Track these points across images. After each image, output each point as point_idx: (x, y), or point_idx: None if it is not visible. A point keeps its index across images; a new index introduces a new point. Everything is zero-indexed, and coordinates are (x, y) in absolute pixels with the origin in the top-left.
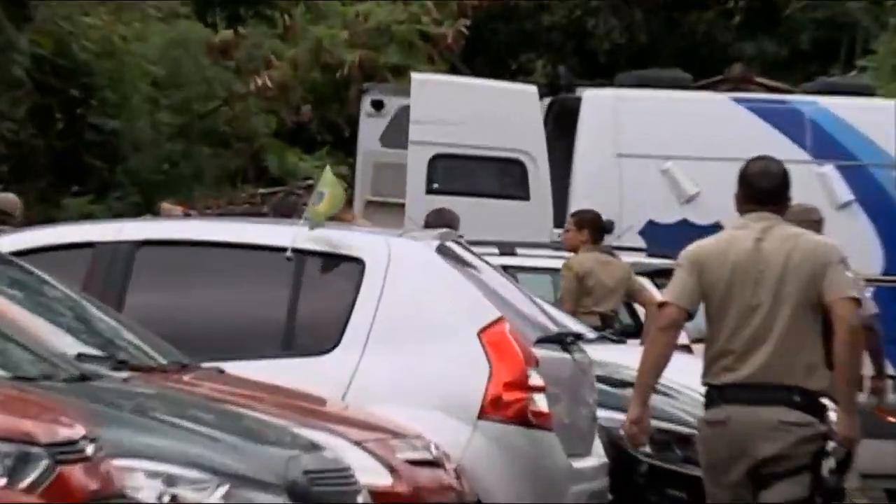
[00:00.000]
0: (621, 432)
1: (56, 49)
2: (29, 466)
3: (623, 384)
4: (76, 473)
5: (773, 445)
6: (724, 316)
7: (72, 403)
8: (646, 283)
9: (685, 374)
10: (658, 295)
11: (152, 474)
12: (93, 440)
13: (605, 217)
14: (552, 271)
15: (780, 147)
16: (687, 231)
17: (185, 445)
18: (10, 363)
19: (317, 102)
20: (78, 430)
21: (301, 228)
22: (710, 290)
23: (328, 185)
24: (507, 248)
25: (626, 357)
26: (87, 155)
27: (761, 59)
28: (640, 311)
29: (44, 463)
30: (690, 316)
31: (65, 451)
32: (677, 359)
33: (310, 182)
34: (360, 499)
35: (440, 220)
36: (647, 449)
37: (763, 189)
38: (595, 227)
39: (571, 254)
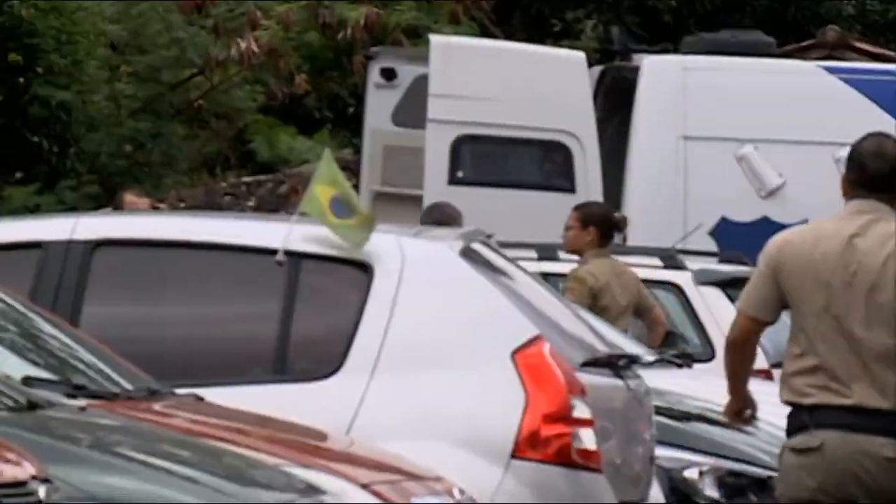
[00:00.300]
0: (685, 474)
1: None
2: None
3: (687, 417)
4: None
5: (886, 484)
6: (809, 325)
7: (19, 437)
8: (717, 294)
9: (763, 405)
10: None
11: None
12: (45, 481)
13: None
14: None
15: (883, 128)
16: (768, 231)
17: (156, 488)
18: None
19: (314, 71)
20: (27, 469)
21: (295, 226)
22: (791, 296)
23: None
24: (547, 252)
25: (690, 385)
26: (31, 134)
27: (862, 21)
28: (713, 332)
29: None
30: (770, 324)
31: (10, 494)
32: (752, 386)
33: (303, 169)
34: None
35: (436, 217)
36: (716, 495)
37: (876, 172)
38: (604, 225)
39: (575, 257)
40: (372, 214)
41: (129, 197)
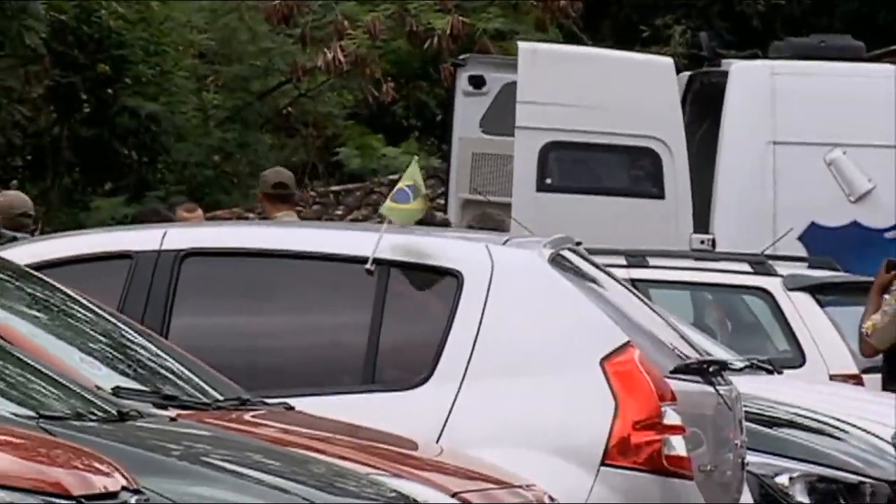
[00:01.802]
0: (776, 480)
1: (79, 14)
2: None
3: (777, 423)
4: None
5: None
6: None
7: (109, 448)
8: (807, 299)
9: (855, 411)
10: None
11: None
12: (135, 492)
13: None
14: (692, 286)
15: None
16: (858, 235)
17: (247, 498)
18: (33, 400)
19: (401, 80)
20: (117, 480)
21: (385, 235)
22: None
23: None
24: (636, 258)
25: (780, 391)
26: (120, 145)
27: None
28: (803, 337)
29: None
30: None
31: None
32: (845, 392)
33: (394, 178)
34: None
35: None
36: (807, 500)
37: None
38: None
39: None
40: (423, 204)
41: (181, 212)
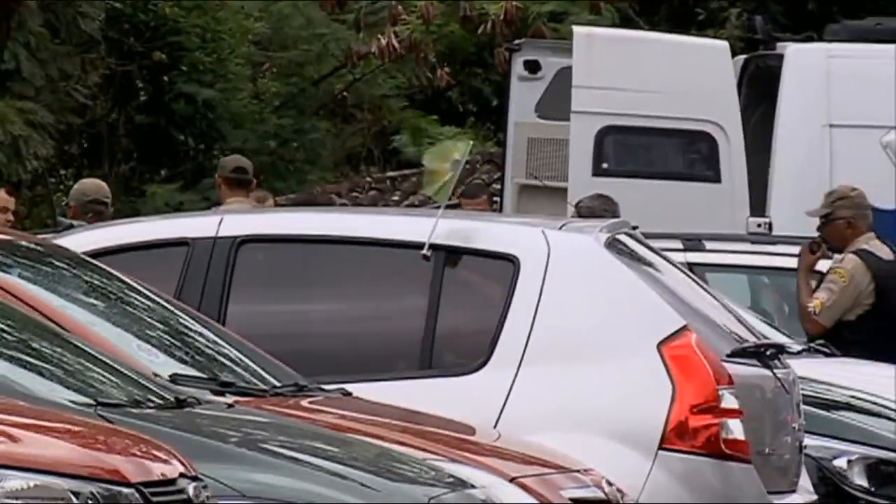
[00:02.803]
0: (834, 463)
1: (135, 2)
2: None
3: (834, 406)
4: None
5: None
6: None
7: (167, 435)
8: None
9: None
10: None
11: None
12: (193, 479)
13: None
14: (749, 269)
15: None
16: None
17: (305, 484)
18: (91, 387)
19: (455, 65)
20: (175, 467)
21: (441, 220)
22: None
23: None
24: (693, 242)
25: (838, 373)
26: (176, 132)
27: None
28: None
29: None
30: None
31: (160, 492)
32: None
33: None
34: None
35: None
36: (865, 483)
37: None
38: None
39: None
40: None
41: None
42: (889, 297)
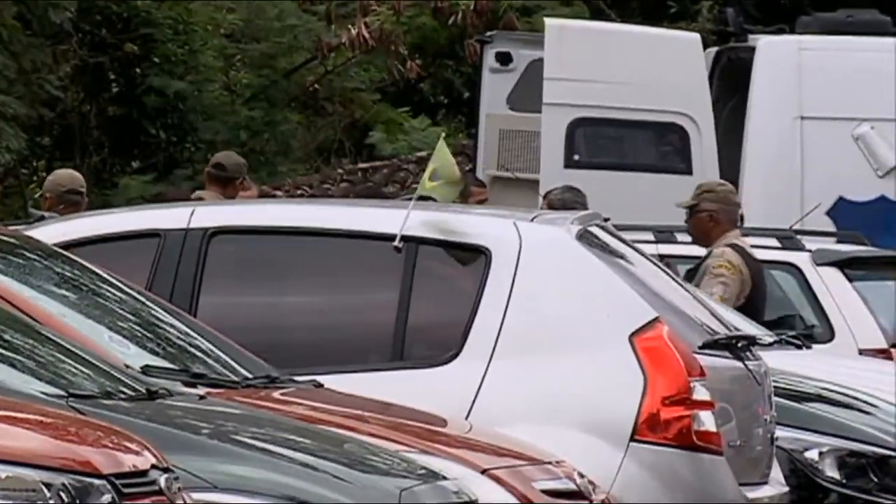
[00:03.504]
0: (806, 455)
1: None
2: (89, 501)
3: (805, 397)
4: None
5: None
6: None
7: (139, 426)
8: (835, 274)
9: (884, 385)
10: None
11: None
12: (165, 470)
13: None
14: None
15: None
16: (886, 210)
17: (276, 475)
18: (62, 379)
19: (427, 57)
20: (147, 459)
21: (413, 212)
22: None
23: (440, 158)
24: (664, 234)
25: (809, 365)
26: (148, 124)
27: None
28: (832, 312)
29: (107, 498)
30: None
31: (132, 483)
32: (872, 366)
33: (421, 155)
34: None
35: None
36: (837, 475)
37: None
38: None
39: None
40: (459, 179)
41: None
42: (757, 294)
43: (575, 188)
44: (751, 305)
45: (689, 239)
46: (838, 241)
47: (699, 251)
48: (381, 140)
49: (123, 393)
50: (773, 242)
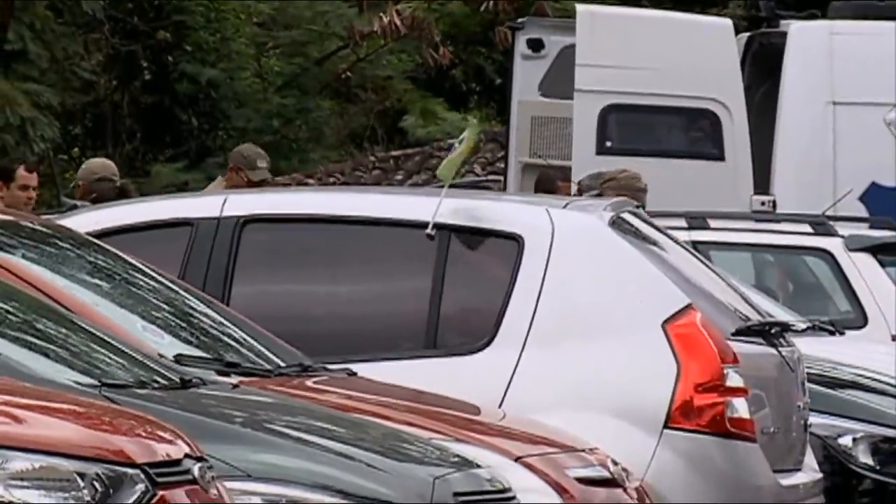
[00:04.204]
0: (839, 441)
1: None
2: (123, 491)
3: (840, 384)
4: (180, 499)
5: None
6: None
7: (172, 415)
8: (868, 259)
9: None
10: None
11: (272, 499)
12: (199, 459)
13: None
14: (753, 248)
15: None
16: None
17: (310, 464)
18: (96, 368)
19: (458, 44)
20: (181, 448)
21: (445, 200)
22: None
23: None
24: (697, 220)
25: (843, 352)
26: (180, 111)
27: None
28: (865, 298)
29: (140, 487)
30: None
31: (166, 473)
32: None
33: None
34: None
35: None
36: (870, 461)
37: None
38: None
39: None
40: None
41: None
42: None
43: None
44: None
45: (722, 224)
46: (871, 227)
47: (733, 237)
48: (413, 125)
49: (157, 382)
50: (806, 228)
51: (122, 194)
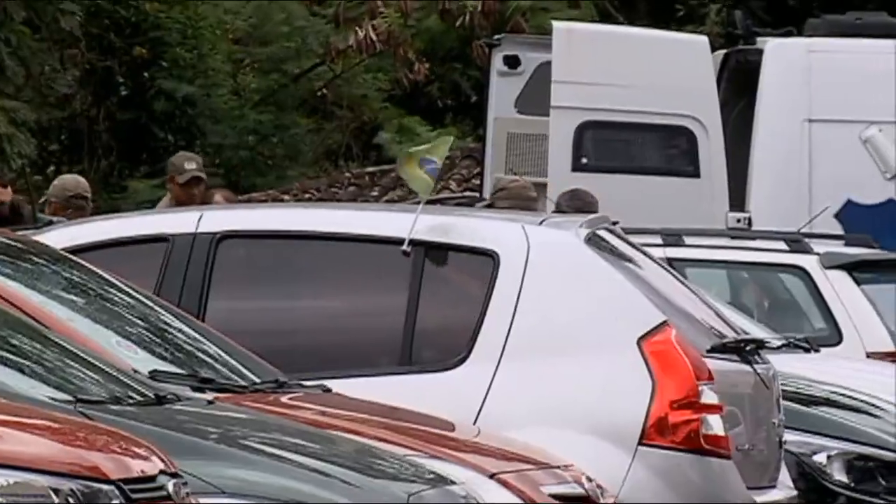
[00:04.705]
0: (814, 458)
1: None
2: None
3: (814, 401)
4: None
5: None
6: None
7: (147, 431)
8: (843, 277)
9: (892, 388)
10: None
11: None
12: (173, 475)
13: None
14: (729, 265)
15: None
16: (894, 213)
17: (285, 480)
18: (70, 384)
19: (435, 60)
20: (155, 464)
21: (421, 216)
22: None
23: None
24: (672, 237)
25: (818, 369)
26: (156, 128)
27: None
28: (840, 315)
29: (115, 503)
30: None
31: (140, 489)
32: (882, 369)
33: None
34: None
35: (575, 203)
36: (845, 479)
37: None
38: None
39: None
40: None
41: (218, 197)
42: None
43: (582, 191)
44: None
45: (698, 242)
46: (846, 244)
47: (709, 254)
48: (388, 140)
49: (132, 398)
50: (782, 245)
51: (13, 211)
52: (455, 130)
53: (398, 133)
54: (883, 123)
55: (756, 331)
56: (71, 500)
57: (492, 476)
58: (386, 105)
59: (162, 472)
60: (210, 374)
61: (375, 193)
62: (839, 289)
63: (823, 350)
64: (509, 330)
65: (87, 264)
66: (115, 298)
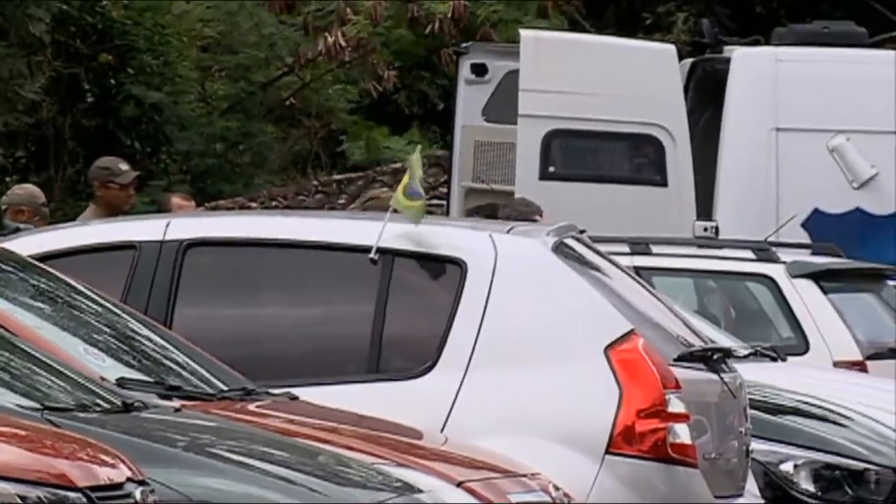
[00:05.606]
0: (781, 467)
1: (82, 4)
2: None
3: (781, 410)
4: None
5: None
6: None
7: (114, 439)
8: (810, 286)
9: (859, 397)
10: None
11: None
12: (140, 483)
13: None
14: (696, 273)
15: None
16: (861, 222)
17: (252, 489)
18: (37, 391)
19: (403, 68)
20: (122, 471)
21: (388, 224)
22: None
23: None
24: (639, 246)
25: (784, 378)
26: (123, 135)
27: None
28: (807, 324)
29: None
30: None
31: (107, 497)
32: (849, 378)
33: (396, 166)
34: None
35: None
36: (812, 488)
37: None
38: None
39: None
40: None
41: (176, 200)
42: None
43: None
44: None
45: (665, 250)
46: (813, 253)
47: (676, 263)
48: (354, 148)
49: (99, 405)
50: (749, 254)
51: None
52: (421, 138)
53: (369, 147)
54: (850, 132)
55: (723, 339)
56: None
57: (459, 484)
58: (355, 121)
59: (129, 479)
60: (177, 381)
61: (343, 201)
62: (806, 298)
63: (790, 359)
64: (477, 338)
65: (54, 272)
66: (83, 306)
